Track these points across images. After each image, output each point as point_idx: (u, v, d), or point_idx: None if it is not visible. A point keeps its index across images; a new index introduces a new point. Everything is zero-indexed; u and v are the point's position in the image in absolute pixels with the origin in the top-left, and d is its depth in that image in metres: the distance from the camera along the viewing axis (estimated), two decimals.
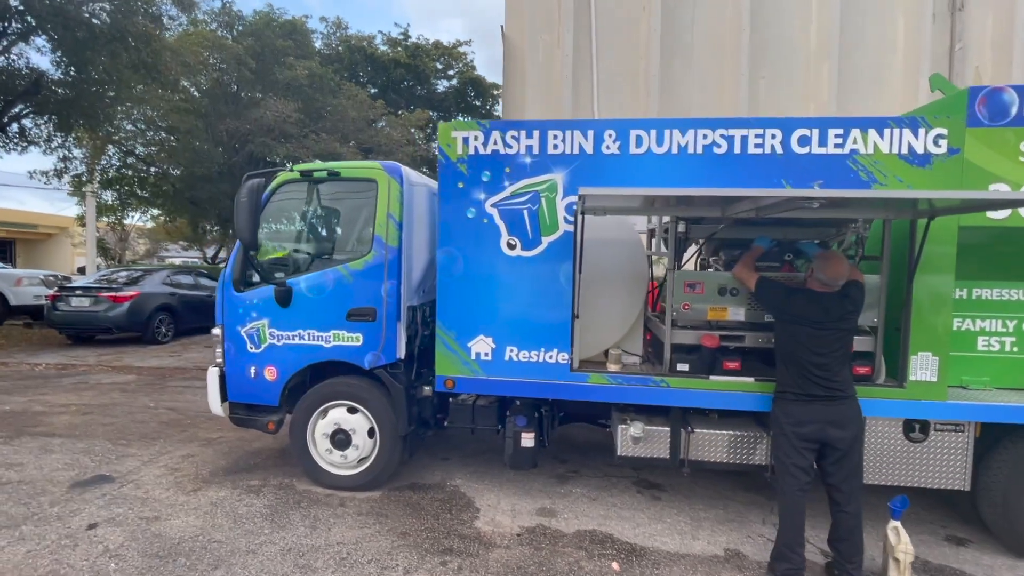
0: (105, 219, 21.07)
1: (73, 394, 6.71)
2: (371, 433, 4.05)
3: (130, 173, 18.04)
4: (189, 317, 11.33)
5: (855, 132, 3.21)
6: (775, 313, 3.25)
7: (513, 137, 3.48)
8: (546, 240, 3.51)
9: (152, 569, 3.04)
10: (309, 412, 4.09)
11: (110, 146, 17.02)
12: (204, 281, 12.32)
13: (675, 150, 3.36)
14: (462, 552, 3.32)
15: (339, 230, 4.26)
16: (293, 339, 4.04)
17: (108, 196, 19.33)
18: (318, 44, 22.86)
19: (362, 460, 4.07)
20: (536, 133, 3.46)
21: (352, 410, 4.07)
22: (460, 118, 28.62)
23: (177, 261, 45.43)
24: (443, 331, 3.64)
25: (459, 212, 3.57)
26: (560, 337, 3.55)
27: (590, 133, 3.42)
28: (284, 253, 4.30)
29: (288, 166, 3.97)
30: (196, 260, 44.37)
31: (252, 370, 4.10)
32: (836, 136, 3.23)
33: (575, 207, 3.45)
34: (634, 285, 3.87)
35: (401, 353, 3.98)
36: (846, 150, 3.23)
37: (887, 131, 3.19)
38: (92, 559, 3.11)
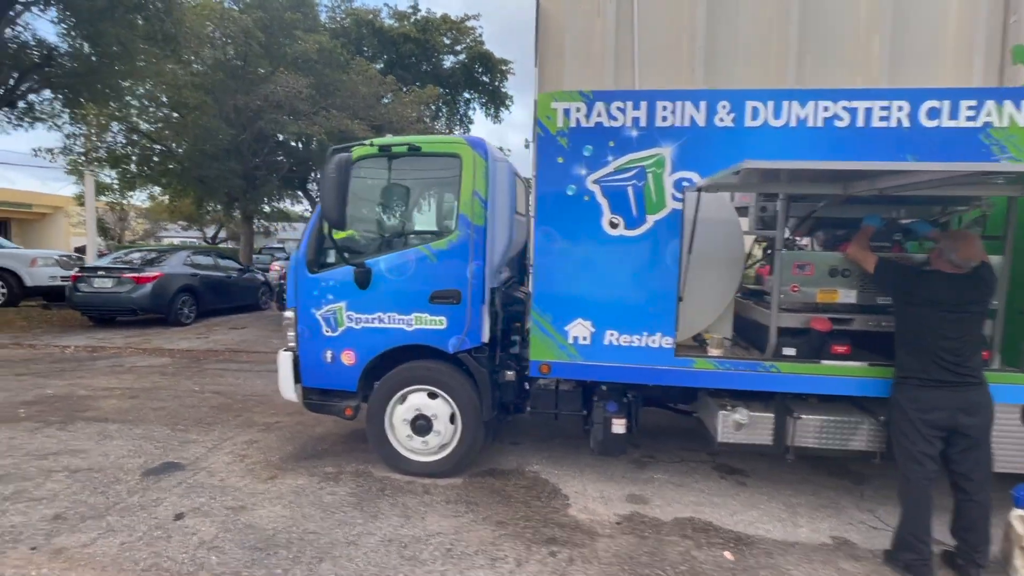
0: (104, 198, 20.59)
1: (112, 377, 6.54)
2: (452, 419, 3.92)
3: (136, 151, 17.54)
4: (210, 298, 11.13)
5: (989, 104, 3.03)
6: (899, 296, 3.10)
7: (619, 108, 3.28)
8: (651, 219, 3.34)
9: (255, 562, 2.91)
10: (387, 397, 3.95)
11: (114, 123, 16.54)
12: (223, 262, 12.09)
13: (793, 123, 3.18)
14: (567, 542, 3.21)
15: (420, 208, 4.07)
16: (372, 322, 3.87)
17: (109, 175, 18.85)
18: (323, 17, 22.21)
19: (443, 446, 3.95)
20: (644, 104, 3.26)
21: (432, 395, 3.93)
22: (467, 95, 28.14)
23: (176, 241, 44.95)
24: (539, 314, 3.48)
25: (558, 189, 3.38)
26: (664, 321, 3.40)
27: (702, 104, 3.22)
28: (354, 233, 4.10)
29: (369, 141, 3.75)
30: (195, 240, 43.90)
31: (328, 354, 3.94)
32: (968, 108, 3.05)
33: (684, 184, 3.27)
34: (731, 266, 3.71)
35: (486, 337, 3.83)
36: (979, 123, 3.05)
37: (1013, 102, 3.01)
38: (191, 551, 2.98)
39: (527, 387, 4.05)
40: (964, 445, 2.91)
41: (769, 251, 3.87)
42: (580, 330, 3.46)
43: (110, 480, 3.79)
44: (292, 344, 4.04)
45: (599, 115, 3.30)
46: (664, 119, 3.26)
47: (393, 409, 3.96)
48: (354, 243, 3.98)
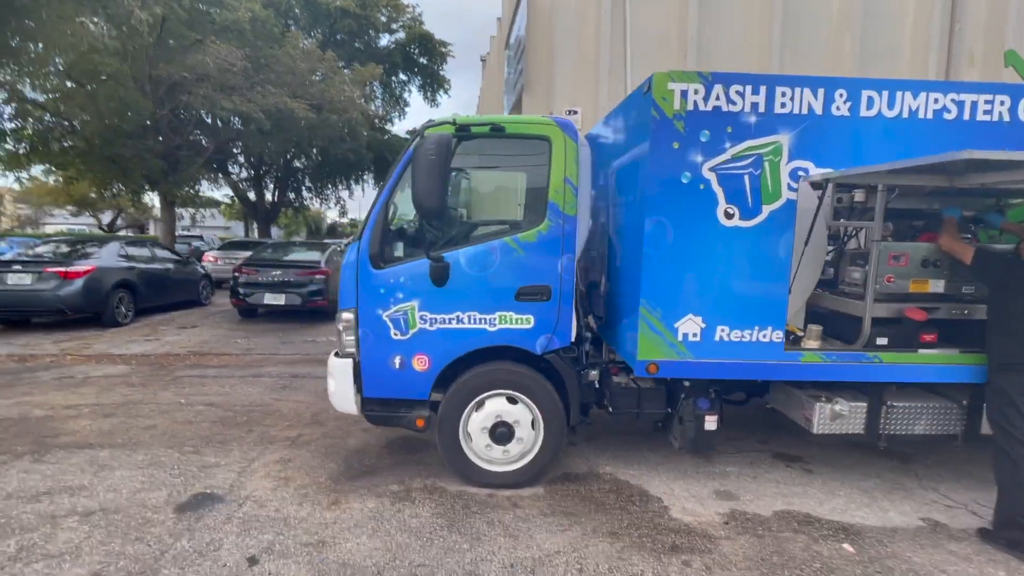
0: None
1: (69, 392, 5.52)
2: (533, 424, 3.63)
3: (31, 124, 15.06)
4: (149, 294, 9.83)
5: None
6: (999, 285, 3.21)
7: (738, 92, 3.11)
8: (767, 209, 3.22)
9: None
10: (462, 405, 3.58)
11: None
12: (160, 253, 10.73)
13: (906, 114, 3.17)
14: (692, 548, 3.07)
15: (503, 195, 3.69)
16: (450, 323, 3.48)
17: None
18: None
19: (524, 454, 3.65)
20: (763, 89, 3.11)
21: (512, 400, 3.61)
22: (403, 76, 26.96)
23: (63, 228, 39.60)
24: (648, 311, 3.26)
25: (672, 176, 3.17)
26: (775, 314, 3.31)
27: (820, 91, 3.13)
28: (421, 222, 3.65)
29: (451, 118, 3.32)
30: (86, 228, 38.94)
31: (397, 360, 3.50)
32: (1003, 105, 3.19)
33: (799, 173, 3.18)
34: (817, 256, 3.70)
35: (573, 335, 3.56)
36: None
37: None
38: None
39: (598, 386, 3.85)
40: None
41: (847, 240, 3.89)
42: (690, 326, 3.29)
43: (139, 522, 3.13)
44: (351, 349, 3.54)
45: (717, 98, 3.11)
46: (783, 105, 3.13)
47: (468, 417, 3.60)
48: (425, 234, 3.54)
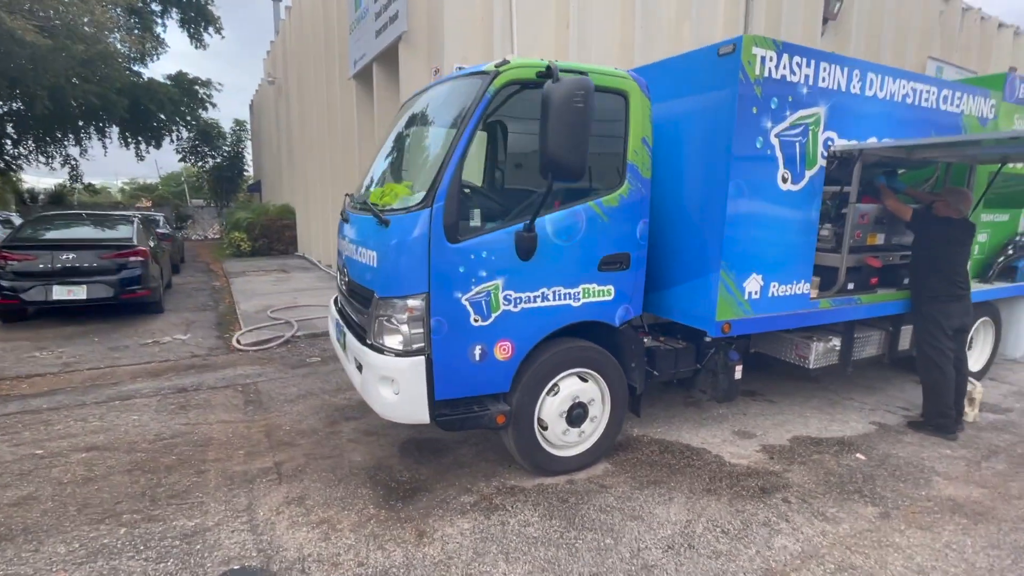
0: None
1: None
2: (602, 400, 3.48)
3: None
4: None
5: (967, 97, 4.25)
6: (928, 237, 4.15)
7: (798, 64, 3.32)
8: (808, 174, 3.56)
9: None
10: (538, 391, 3.21)
11: None
12: None
13: (888, 96, 3.81)
14: (774, 486, 3.36)
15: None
16: (535, 301, 3.04)
17: None
18: None
19: (593, 433, 3.48)
20: (813, 63, 3.38)
21: (583, 378, 3.39)
22: (157, 6, 21.60)
23: None
24: (726, 273, 3.35)
25: (750, 141, 3.25)
26: (808, 268, 3.74)
27: (846, 70, 3.55)
28: (475, 185, 3.07)
29: (546, 64, 2.77)
30: None
31: (477, 351, 2.93)
32: (957, 98, 4.21)
33: (828, 143, 3.59)
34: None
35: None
36: (958, 110, 4.25)
37: (977, 98, 4.33)
38: None
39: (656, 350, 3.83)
40: (961, 338, 4.22)
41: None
42: (753, 284, 3.50)
43: None
44: (419, 344, 2.83)
45: (784, 68, 3.28)
46: (823, 80, 3.46)
47: (543, 403, 3.25)
48: (499, 199, 2.99)
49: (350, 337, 3.33)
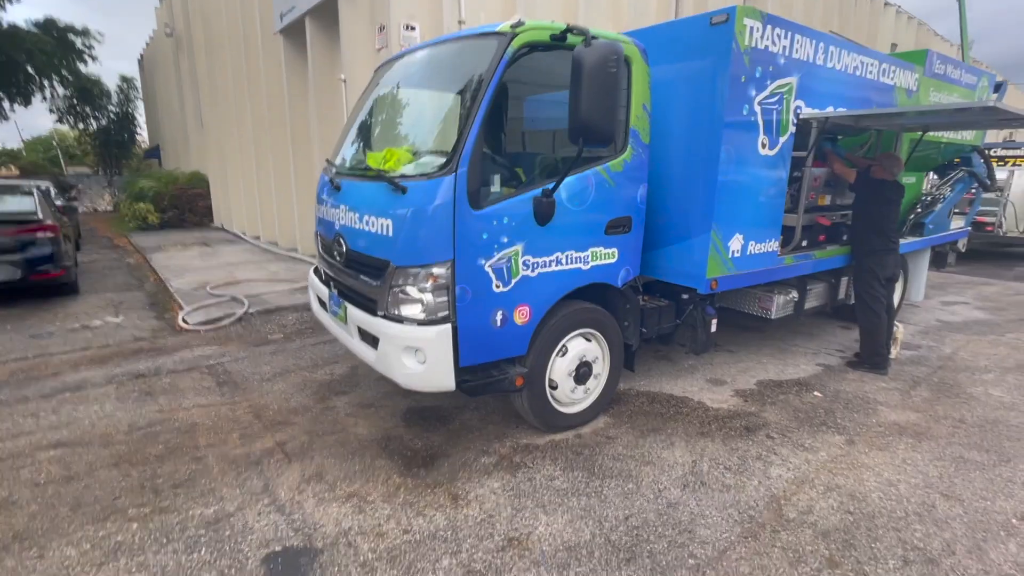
0: None
1: None
2: (603, 359, 3.66)
3: None
4: None
5: (899, 70, 4.73)
6: (868, 197, 4.65)
7: (778, 35, 3.53)
8: (780, 140, 3.84)
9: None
10: (548, 352, 3.32)
11: None
12: None
13: (842, 68, 4.16)
14: (756, 425, 3.74)
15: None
16: (550, 265, 3.11)
17: None
18: None
19: (595, 390, 3.67)
20: (790, 34, 3.61)
21: (587, 338, 3.54)
22: None
23: None
24: (716, 233, 3.59)
25: (737, 108, 3.45)
26: (777, 228, 4.07)
27: (814, 42, 3.82)
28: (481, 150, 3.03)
29: (563, 26, 2.75)
30: None
31: (499, 316, 2.97)
32: (892, 72, 4.68)
33: (798, 111, 3.89)
34: None
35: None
36: (892, 82, 4.74)
37: (906, 72, 4.83)
38: None
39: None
40: (892, 287, 4.83)
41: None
42: (736, 244, 3.77)
43: None
44: (444, 312, 2.82)
45: (767, 38, 3.47)
46: (796, 51, 3.71)
47: (553, 364, 3.37)
48: (512, 165, 2.99)
49: (354, 309, 3.23)
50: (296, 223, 10.24)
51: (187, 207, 15.49)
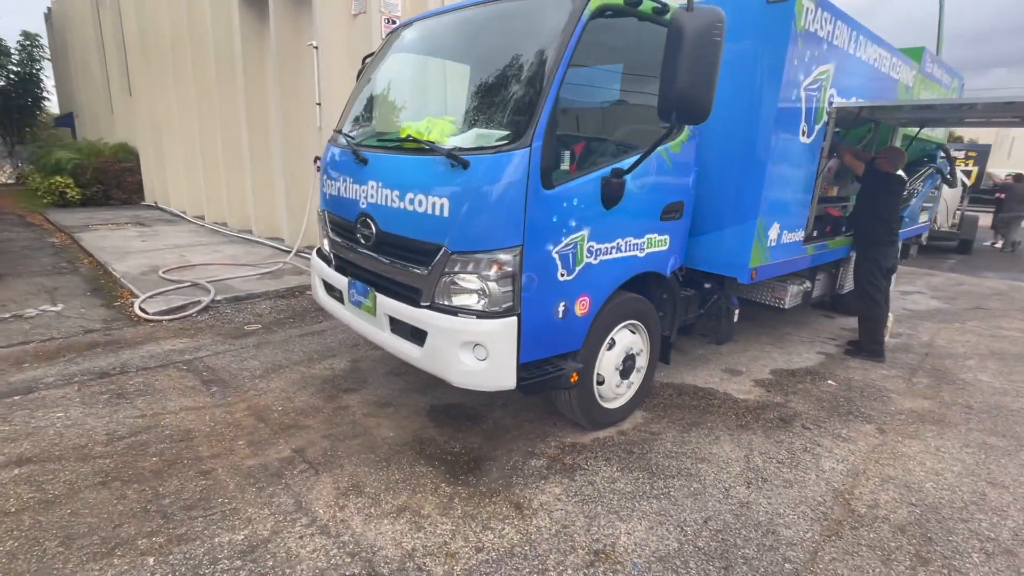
0: None
1: None
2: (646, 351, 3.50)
3: None
4: None
5: (903, 65, 4.83)
6: (876, 189, 4.74)
7: (825, 18, 3.45)
8: (816, 128, 3.79)
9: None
10: (598, 346, 3.11)
11: None
12: None
13: (867, 59, 4.16)
14: (788, 416, 3.71)
15: (647, 97, 3.00)
16: (611, 252, 2.88)
17: None
18: None
19: (635, 383, 3.50)
20: (834, 20, 3.54)
21: (632, 330, 3.35)
22: None
23: None
24: (762, 220, 3.48)
25: (789, 93, 3.33)
26: (804, 218, 4.04)
27: (850, 30, 3.78)
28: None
29: None
30: None
31: (560, 307, 2.71)
32: (898, 66, 4.77)
33: (831, 100, 3.84)
34: None
35: None
36: (897, 76, 4.83)
37: (907, 68, 4.95)
38: None
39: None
40: (891, 277, 4.98)
41: None
42: (774, 232, 3.69)
43: None
44: (508, 304, 2.53)
45: (816, 22, 3.38)
46: (836, 38, 3.65)
47: (602, 358, 3.16)
48: (578, 140, 2.71)
49: (385, 299, 2.87)
50: (250, 203, 9.39)
51: (114, 182, 13.93)
